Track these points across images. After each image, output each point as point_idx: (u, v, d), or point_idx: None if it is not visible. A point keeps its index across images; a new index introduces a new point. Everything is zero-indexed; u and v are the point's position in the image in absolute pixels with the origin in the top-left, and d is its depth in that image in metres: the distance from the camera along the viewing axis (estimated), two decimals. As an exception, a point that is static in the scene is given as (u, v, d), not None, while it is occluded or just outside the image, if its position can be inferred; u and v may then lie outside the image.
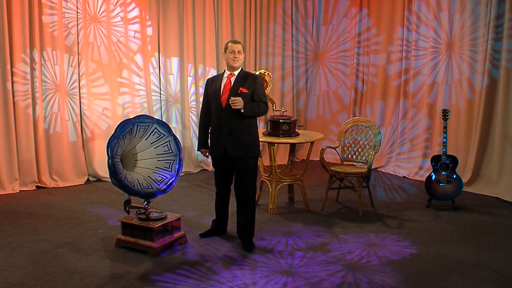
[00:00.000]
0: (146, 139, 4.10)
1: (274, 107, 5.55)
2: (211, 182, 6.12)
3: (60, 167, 6.14)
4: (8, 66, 5.65)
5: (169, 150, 4.15)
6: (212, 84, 4.20)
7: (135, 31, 6.58)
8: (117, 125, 3.90)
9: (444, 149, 5.29)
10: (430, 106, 6.71)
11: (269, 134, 5.17)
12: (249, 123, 4.10)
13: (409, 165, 6.99)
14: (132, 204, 4.07)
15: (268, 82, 5.36)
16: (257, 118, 4.24)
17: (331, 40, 8.09)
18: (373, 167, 5.53)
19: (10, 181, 5.78)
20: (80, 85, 6.26)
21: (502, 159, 5.85)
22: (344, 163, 5.53)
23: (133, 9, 6.54)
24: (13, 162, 5.76)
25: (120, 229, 4.16)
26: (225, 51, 4.16)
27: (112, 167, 3.68)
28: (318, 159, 5.55)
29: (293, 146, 5.44)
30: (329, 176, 5.29)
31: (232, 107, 3.94)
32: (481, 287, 3.48)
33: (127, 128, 3.84)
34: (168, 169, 4.13)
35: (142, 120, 4.00)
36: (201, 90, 7.02)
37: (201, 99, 6.99)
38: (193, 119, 7.16)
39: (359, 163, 5.53)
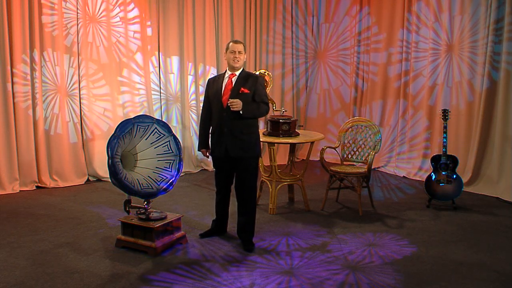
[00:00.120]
0: (146, 139, 4.10)
1: (274, 107, 5.55)
2: (211, 182, 6.12)
3: (60, 167, 6.14)
4: (8, 67, 5.64)
5: (169, 150, 4.14)
6: (213, 84, 4.18)
7: (135, 32, 6.58)
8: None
9: (444, 149, 5.29)
10: (430, 108, 6.70)
11: (269, 134, 5.16)
12: (250, 123, 4.10)
13: (409, 165, 6.99)
14: (132, 204, 4.07)
15: (268, 82, 5.36)
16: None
17: (332, 38, 8.09)
18: (372, 167, 5.52)
19: (10, 181, 5.78)
20: (80, 86, 6.25)
21: (502, 159, 5.85)
22: (344, 163, 5.53)
23: (132, 9, 6.53)
24: (13, 162, 5.76)
25: (120, 229, 4.16)
26: (226, 51, 4.15)
27: (112, 167, 3.68)
28: (318, 159, 5.54)
29: (293, 146, 5.44)
30: (329, 176, 5.29)
31: (231, 109, 3.94)
32: (481, 287, 3.48)
33: (127, 128, 3.84)
34: (168, 169, 4.13)
35: (142, 120, 4.00)
36: (201, 89, 7.03)
37: (201, 98, 7.05)
38: (193, 118, 7.16)
39: (359, 163, 5.54)
